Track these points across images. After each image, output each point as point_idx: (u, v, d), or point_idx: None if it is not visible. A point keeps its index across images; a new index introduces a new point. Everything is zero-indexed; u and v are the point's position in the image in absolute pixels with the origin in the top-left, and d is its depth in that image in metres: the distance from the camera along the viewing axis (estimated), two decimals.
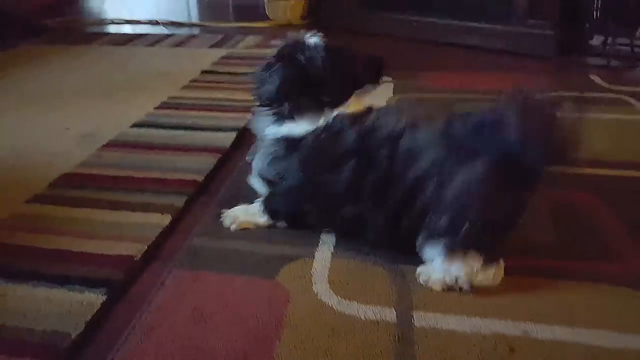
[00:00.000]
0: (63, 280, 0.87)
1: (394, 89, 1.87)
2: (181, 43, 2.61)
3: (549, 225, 1.04)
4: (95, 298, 0.83)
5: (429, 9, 2.57)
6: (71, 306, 0.82)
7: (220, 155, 1.35)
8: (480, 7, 2.45)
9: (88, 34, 2.86)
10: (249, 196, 1.15)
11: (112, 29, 3.06)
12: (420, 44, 2.53)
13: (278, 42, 2.51)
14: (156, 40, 2.67)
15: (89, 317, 0.80)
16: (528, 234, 1.01)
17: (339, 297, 0.85)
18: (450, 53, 2.39)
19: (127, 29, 3.04)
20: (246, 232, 1.03)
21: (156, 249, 0.99)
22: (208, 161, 1.31)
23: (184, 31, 2.93)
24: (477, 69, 2.12)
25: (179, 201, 1.13)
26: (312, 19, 3.11)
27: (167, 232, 1.04)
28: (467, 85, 1.89)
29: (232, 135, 1.46)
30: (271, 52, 2.37)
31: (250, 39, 2.65)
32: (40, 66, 2.20)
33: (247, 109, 1.65)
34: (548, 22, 2.22)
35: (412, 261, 0.93)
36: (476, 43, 2.41)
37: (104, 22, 3.23)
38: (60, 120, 1.30)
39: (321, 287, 0.88)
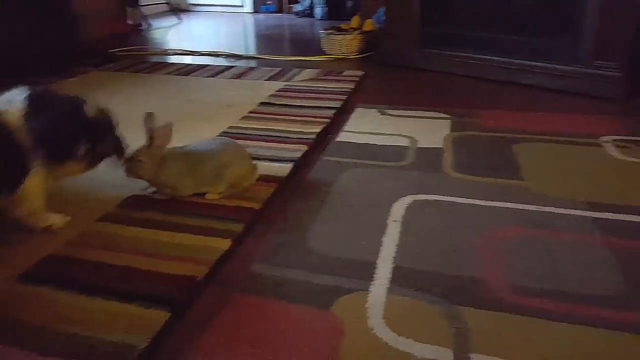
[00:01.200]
0: (131, 296, 0.92)
1: (451, 126, 1.88)
2: (240, 75, 2.72)
3: (617, 276, 1.01)
4: (160, 315, 0.87)
5: (490, 47, 2.58)
6: (138, 321, 0.86)
7: (276, 185, 1.39)
8: (543, 46, 2.43)
9: (153, 63, 3.02)
10: (306, 224, 1.18)
11: (175, 59, 3.23)
12: (480, 82, 2.53)
13: (332, 77, 2.60)
14: (217, 71, 2.79)
15: (154, 333, 0.84)
16: (592, 284, 0.98)
17: (395, 334, 0.86)
18: (510, 92, 2.38)
19: (189, 60, 3.19)
20: (302, 262, 1.05)
21: (216, 272, 1.03)
22: (265, 191, 1.35)
23: (242, 63, 3.05)
24: (538, 109, 2.09)
25: (238, 227, 1.17)
26: (368, 54, 3.18)
27: (227, 257, 1.08)
28: (527, 126, 1.87)
29: (289, 167, 1.50)
30: (325, 85, 2.44)
31: (306, 72, 2.73)
32: (109, 93, 2.34)
33: (302, 141, 1.70)
34: (616, 64, 2.16)
35: (471, 303, 0.93)
36: (538, 83, 2.38)
37: (167, 52, 3.41)
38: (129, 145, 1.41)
39: (376, 322, 0.88)
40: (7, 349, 0.81)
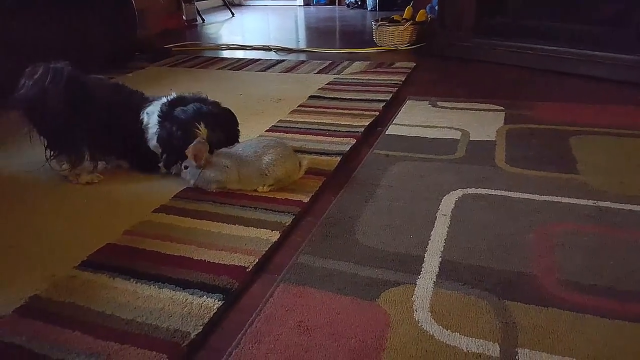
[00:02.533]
0: (185, 284, 0.97)
1: (505, 118, 1.83)
2: (291, 69, 2.75)
3: None
4: (212, 303, 0.91)
5: (547, 37, 2.49)
6: (191, 308, 0.90)
7: (324, 179, 1.40)
8: (603, 35, 2.32)
9: (207, 58, 3.10)
10: (354, 217, 1.19)
11: (227, 54, 3.30)
12: (535, 73, 2.45)
13: (383, 69, 2.57)
14: (268, 65, 2.84)
15: (207, 320, 0.88)
16: None
17: (441, 327, 0.86)
18: (568, 83, 2.28)
19: (241, 54, 3.26)
20: (350, 255, 1.07)
21: (266, 263, 1.06)
22: (314, 184, 1.37)
23: (293, 57, 3.09)
24: (597, 101, 2.00)
25: (287, 219, 1.20)
26: (420, 45, 3.13)
27: (276, 248, 1.11)
28: (584, 118, 1.80)
29: (337, 160, 1.51)
30: (375, 77, 2.42)
31: (356, 65, 2.73)
32: (166, 86, 2.42)
33: (351, 134, 1.70)
34: None
35: (520, 298, 0.91)
36: (598, 73, 2.28)
37: (220, 47, 3.49)
38: None
39: (422, 315, 0.88)
40: (67, 333, 0.87)
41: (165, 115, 1.39)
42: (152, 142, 1.41)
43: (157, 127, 1.40)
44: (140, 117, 1.43)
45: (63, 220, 1.25)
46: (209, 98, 1.47)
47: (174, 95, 1.46)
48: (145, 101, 1.47)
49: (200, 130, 1.34)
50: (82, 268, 1.04)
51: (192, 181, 1.35)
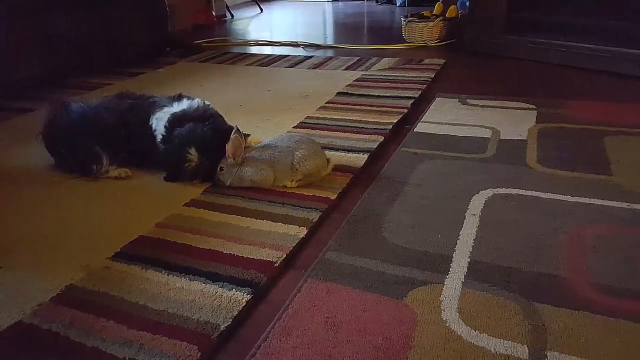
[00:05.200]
0: (214, 277, 0.99)
1: (537, 117, 1.80)
2: (319, 65, 2.75)
3: None
4: (241, 296, 0.93)
5: (582, 33, 2.43)
6: (221, 301, 0.92)
7: (352, 176, 1.40)
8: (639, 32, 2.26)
9: (236, 54, 3.12)
10: (381, 215, 1.19)
11: (256, 49, 3.32)
12: (570, 71, 2.40)
13: (412, 65, 2.55)
14: (296, 62, 2.84)
15: (236, 313, 0.89)
16: None
17: (469, 327, 0.85)
18: (603, 81, 2.23)
19: (269, 50, 3.27)
20: (377, 252, 1.07)
21: (293, 258, 1.07)
22: (341, 180, 1.38)
23: (321, 53, 3.09)
24: (634, 100, 1.95)
25: (314, 216, 1.20)
26: (450, 41, 3.10)
27: (303, 244, 1.12)
28: (620, 118, 1.75)
29: (364, 157, 1.51)
30: (404, 74, 2.40)
31: (385, 61, 2.71)
32: (196, 82, 2.46)
33: (379, 132, 1.70)
34: None
35: (550, 300, 0.90)
36: (635, 72, 2.22)
37: (248, 43, 3.51)
38: None
39: (450, 315, 0.88)
40: (102, 322, 0.89)
41: (169, 131, 1.41)
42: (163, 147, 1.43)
43: (162, 140, 1.43)
44: (150, 122, 1.45)
45: (97, 213, 1.29)
46: (211, 110, 1.49)
47: (183, 107, 1.47)
48: (153, 105, 1.50)
49: (192, 155, 1.35)
50: (115, 259, 1.07)
51: (229, 181, 1.35)
